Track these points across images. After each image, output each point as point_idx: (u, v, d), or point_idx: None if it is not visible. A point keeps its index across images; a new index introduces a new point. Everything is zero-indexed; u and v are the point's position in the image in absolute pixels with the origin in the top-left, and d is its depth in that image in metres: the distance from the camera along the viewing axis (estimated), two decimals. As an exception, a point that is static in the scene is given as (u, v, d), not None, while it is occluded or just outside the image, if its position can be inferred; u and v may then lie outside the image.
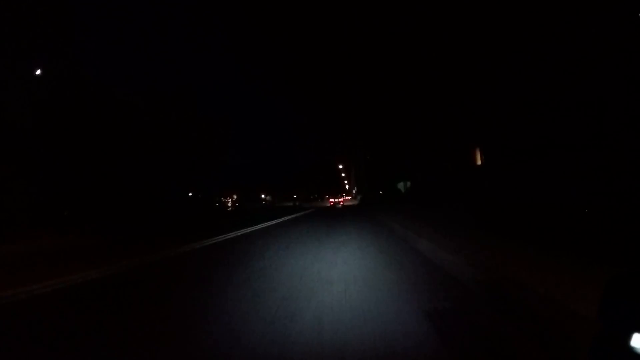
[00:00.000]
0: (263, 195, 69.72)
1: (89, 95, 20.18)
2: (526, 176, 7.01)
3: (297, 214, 18.96)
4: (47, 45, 18.59)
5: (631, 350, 0.73)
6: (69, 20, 20.93)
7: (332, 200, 48.36)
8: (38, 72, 16.78)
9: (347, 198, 58.98)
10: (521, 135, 7.73)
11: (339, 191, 74.04)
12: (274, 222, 12.95)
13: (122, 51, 46.86)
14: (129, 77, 45.11)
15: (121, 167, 21.15)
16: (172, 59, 57.26)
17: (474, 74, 10.05)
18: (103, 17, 39.14)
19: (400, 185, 22.95)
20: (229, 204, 51.55)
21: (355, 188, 47.17)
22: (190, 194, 36.42)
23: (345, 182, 70.70)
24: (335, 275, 3.55)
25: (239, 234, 8.80)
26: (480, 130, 10.70)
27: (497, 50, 8.54)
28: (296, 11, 20.15)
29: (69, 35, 20.67)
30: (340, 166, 53.14)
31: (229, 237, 8.07)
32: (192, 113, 32.84)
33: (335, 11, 17.89)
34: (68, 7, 20.65)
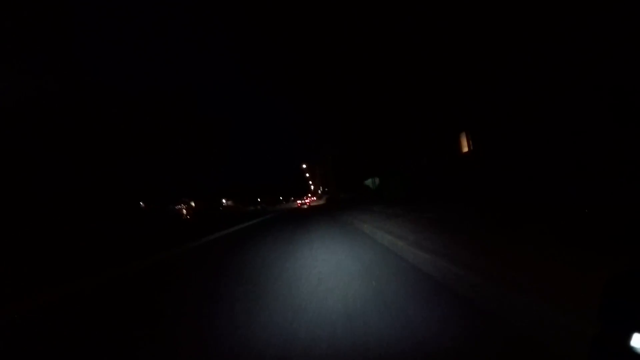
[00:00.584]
0: (224, 201, 67.40)
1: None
2: (522, 169, 6.62)
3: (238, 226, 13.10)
4: (48, 45, 18.27)
5: (631, 350, 0.75)
6: (70, 20, 21.18)
7: (299, 202, 50.90)
8: None
9: (312, 199, 60.35)
10: (518, 116, 6.86)
11: (304, 192, 74.76)
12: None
13: (122, 51, 44.92)
14: (129, 77, 43.52)
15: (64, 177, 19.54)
16: (172, 59, 56.17)
17: (455, 50, 9.39)
18: (103, 17, 37.44)
19: (369, 182, 23.14)
20: (184, 212, 49.13)
21: (321, 188, 47.51)
22: (141, 204, 34.57)
23: (310, 182, 71.23)
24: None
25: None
26: (467, 110, 9.38)
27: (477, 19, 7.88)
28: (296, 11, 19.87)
29: (69, 35, 20.80)
30: (304, 165, 53.12)
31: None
32: (192, 113, 33.28)
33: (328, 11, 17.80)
34: (69, 8, 20.91)
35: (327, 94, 20.02)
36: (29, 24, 17.82)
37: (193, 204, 57.48)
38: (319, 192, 52.59)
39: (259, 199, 67.31)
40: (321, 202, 46.12)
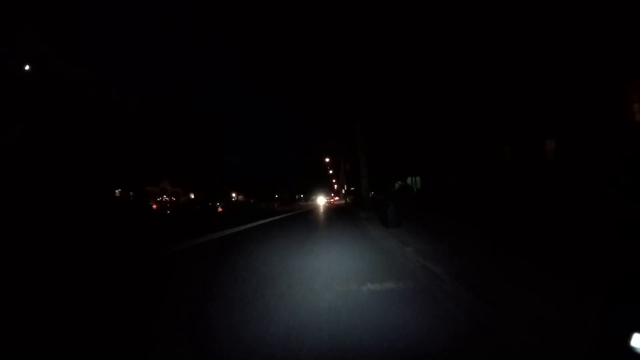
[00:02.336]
0: (234, 195, 68.95)
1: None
2: None
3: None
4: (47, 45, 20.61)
5: (631, 350, 0.87)
6: (70, 20, 24.01)
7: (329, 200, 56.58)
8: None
9: (335, 199, 61.69)
10: None
11: (325, 191, 75.81)
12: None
13: (122, 51, 50.25)
14: (129, 77, 47.84)
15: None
16: (172, 59, 61.73)
17: None
18: (103, 17, 41.78)
19: (408, 182, 22.54)
20: (168, 205, 44.23)
21: (345, 187, 47.55)
22: (118, 191, 34.35)
23: (334, 180, 71.73)
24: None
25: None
26: None
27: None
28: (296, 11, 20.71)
29: (69, 35, 23.83)
30: (327, 159, 53.29)
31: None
32: (192, 113, 35.93)
33: (333, 11, 18.25)
34: (68, 8, 23.86)
35: (359, 67, 19.56)
36: (29, 23, 19.71)
37: (192, 195, 56.33)
38: (343, 191, 52.66)
39: (276, 196, 68.32)
40: (343, 202, 46.31)
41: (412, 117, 17.64)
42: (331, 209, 29.29)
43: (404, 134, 19.15)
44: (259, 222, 15.10)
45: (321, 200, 59.66)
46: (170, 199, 51.36)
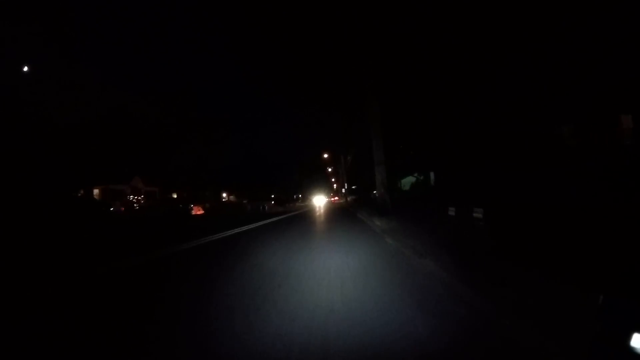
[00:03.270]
0: (225, 195, 68.73)
1: None
2: None
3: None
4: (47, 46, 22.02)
5: (631, 350, 0.92)
6: (70, 21, 25.03)
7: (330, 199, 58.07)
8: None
9: (335, 198, 62.28)
10: None
11: (324, 190, 76.43)
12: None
13: (122, 52, 51.93)
14: (129, 78, 49.54)
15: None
16: (172, 60, 63.77)
17: None
18: (103, 18, 43.06)
19: (411, 179, 22.06)
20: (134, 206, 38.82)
21: (346, 185, 47.57)
22: (79, 193, 32.02)
23: (333, 179, 72.01)
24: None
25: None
26: None
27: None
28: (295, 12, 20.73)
29: (70, 36, 25.16)
30: (326, 155, 53.13)
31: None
32: (192, 114, 37.38)
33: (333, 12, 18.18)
34: (68, 9, 24.89)
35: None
36: (29, 24, 21.13)
37: (175, 195, 53.59)
38: (343, 190, 52.64)
39: (272, 195, 68.00)
40: (343, 201, 46.31)
41: (428, 94, 14.44)
42: (330, 213, 24.52)
43: (417, 118, 16.18)
44: (228, 234, 11.27)
45: (319, 200, 59.64)
46: (137, 199, 46.04)
